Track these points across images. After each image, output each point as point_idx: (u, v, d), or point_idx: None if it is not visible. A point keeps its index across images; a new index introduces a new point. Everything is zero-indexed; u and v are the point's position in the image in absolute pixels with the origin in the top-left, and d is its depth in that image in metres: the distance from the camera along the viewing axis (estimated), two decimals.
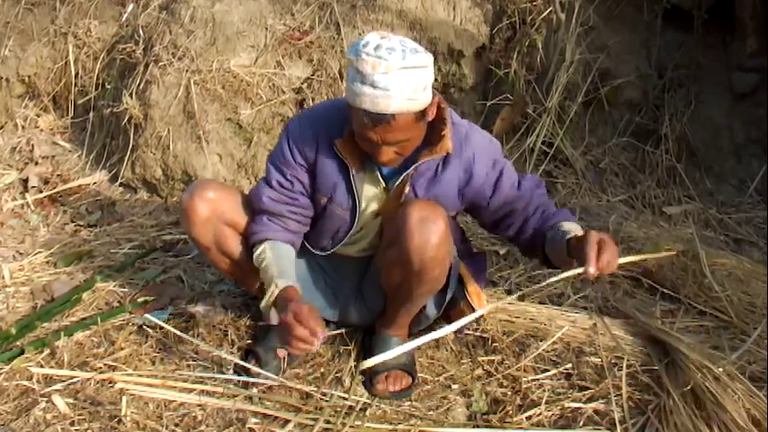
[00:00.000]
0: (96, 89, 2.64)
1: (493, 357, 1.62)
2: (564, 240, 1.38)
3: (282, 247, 1.47)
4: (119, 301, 1.82)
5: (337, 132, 1.42)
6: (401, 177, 1.42)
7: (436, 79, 2.58)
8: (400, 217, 1.39)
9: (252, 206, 1.50)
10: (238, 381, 1.50)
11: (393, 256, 1.42)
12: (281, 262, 1.43)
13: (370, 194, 1.46)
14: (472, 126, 1.49)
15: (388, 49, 1.25)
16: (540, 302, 1.81)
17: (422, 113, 1.33)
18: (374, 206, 1.48)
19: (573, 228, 1.42)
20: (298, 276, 1.52)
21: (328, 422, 1.40)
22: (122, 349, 1.61)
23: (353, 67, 1.27)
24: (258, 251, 1.46)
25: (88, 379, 1.49)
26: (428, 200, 1.42)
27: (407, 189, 1.43)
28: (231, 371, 1.54)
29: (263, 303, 1.40)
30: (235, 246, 1.52)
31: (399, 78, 1.25)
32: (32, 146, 2.60)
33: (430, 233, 1.36)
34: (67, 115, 2.72)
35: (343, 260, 1.58)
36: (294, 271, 1.45)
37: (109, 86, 2.61)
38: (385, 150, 1.33)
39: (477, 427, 1.43)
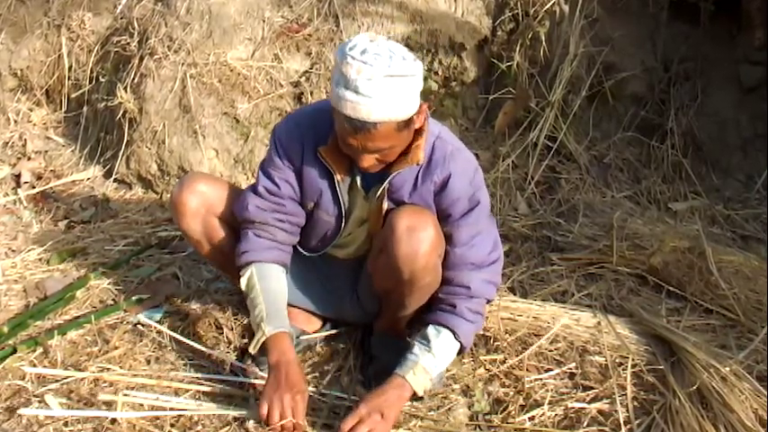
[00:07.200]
0: (90, 83, 2.61)
1: (495, 356, 1.59)
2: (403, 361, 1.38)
3: (271, 270, 1.42)
4: (113, 300, 1.79)
5: (323, 138, 1.38)
6: (378, 191, 1.38)
7: (437, 73, 2.55)
8: (388, 225, 1.36)
9: (237, 218, 1.45)
10: (235, 381, 1.48)
11: (383, 264, 1.39)
12: (269, 296, 1.39)
13: (355, 202, 1.43)
14: (462, 149, 1.41)
15: (374, 55, 1.21)
16: (544, 300, 1.78)
17: (405, 123, 1.28)
18: (360, 213, 1.44)
19: (413, 359, 1.37)
20: (291, 273, 1.49)
21: (327, 423, 1.37)
22: (117, 348, 1.58)
23: (339, 70, 1.24)
24: (246, 276, 1.42)
25: (82, 378, 1.47)
26: (416, 205, 1.38)
27: (386, 204, 1.39)
28: (228, 370, 1.51)
29: (251, 348, 1.40)
30: (225, 238, 1.49)
31: (383, 86, 1.21)
32: (25, 140, 2.57)
33: (419, 243, 1.32)
34: (61, 109, 2.68)
35: (335, 260, 1.55)
36: (285, 300, 1.42)
37: (103, 80, 2.58)
38: (366, 157, 1.30)
39: (479, 427, 1.41)
